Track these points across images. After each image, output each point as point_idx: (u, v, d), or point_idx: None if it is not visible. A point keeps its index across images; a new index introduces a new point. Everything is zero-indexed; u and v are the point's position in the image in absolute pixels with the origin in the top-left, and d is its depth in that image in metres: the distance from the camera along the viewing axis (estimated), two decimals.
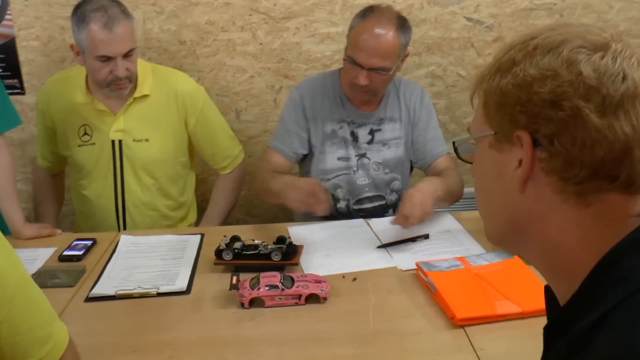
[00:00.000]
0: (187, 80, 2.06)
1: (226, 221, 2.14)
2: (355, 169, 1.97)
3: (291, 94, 2.00)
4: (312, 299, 1.39)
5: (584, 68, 0.63)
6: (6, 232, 1.48)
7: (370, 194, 2.00)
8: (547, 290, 0.80)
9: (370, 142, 1.96)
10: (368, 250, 1.65)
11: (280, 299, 1.37)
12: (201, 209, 2.27)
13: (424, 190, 1.68)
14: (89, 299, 1.43)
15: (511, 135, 0.67)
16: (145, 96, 1.95)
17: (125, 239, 1.73)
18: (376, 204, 2.01)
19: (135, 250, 1.67)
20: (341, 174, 1.97)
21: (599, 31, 0.67)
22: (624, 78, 0.63)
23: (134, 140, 1.96)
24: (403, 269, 1.54)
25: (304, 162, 2.04)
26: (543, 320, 1.29)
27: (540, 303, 1.32)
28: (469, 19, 2.38)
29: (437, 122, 2.03)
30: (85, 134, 1.96)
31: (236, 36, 2.31)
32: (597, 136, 0.63)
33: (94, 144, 1.96)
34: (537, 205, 0.68)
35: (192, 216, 2.21)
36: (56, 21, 2.23)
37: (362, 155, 1.97)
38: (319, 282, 1.41)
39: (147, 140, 1.97)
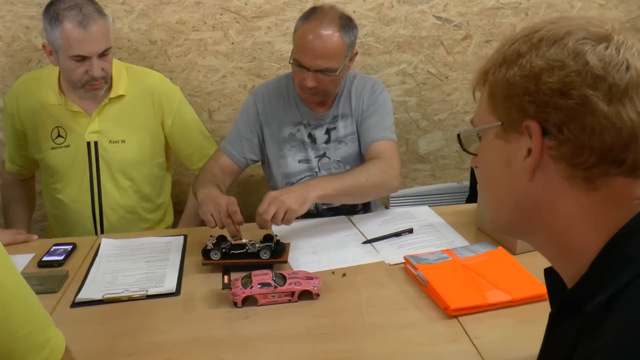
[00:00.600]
0: (163, 80, 2.04)
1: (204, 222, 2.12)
2: (317, 170, 1.96)
3: (246, 99, 1.99)
4: (305, 295, 1.38)
5: (590, 58, 0.66)
6: None
7: None
8: (549, 273, 0.82)
9: (327, 141, 1.95)
10: (354, 246, 1.66)
11: (274, 296, 1.37)
12: (176, 211, 2.25)
13: (288, 189, 1.62)
14: (75, 304, 1.39)
15: (519, 125, 0.70)
16: (120, 96, 1.92)
17: (106, 243, 1.69)
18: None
19: (118, 254, 1.63)
20: (304, 176, 1.97)
21: (600, 23, 0.70)
22: (628, 67, 0.66)
23: (110, 142, 1.92)
24: (391, 263, 1.55)
25: (266, 167, 2.04)
26: (532, 307, 1.33)
27: (528, 291, 1.38)
28: (437, 18, 2.42)
29: (387, 112, 1.94)
30: (59, 136, 1.91)
31: (208, 35, 2.29)
32: (606, 123, 0.65)
33: (68, 146, 1.91)
34: (545, 191, 0.71)
35: (169, 218, 2.18)
36: (20, 20, 2.17)
37: (321, 156, 1.96)
38: (310, 278, 1.41)
39: (123, 141, 1.93)
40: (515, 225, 0.78)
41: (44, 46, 1.81)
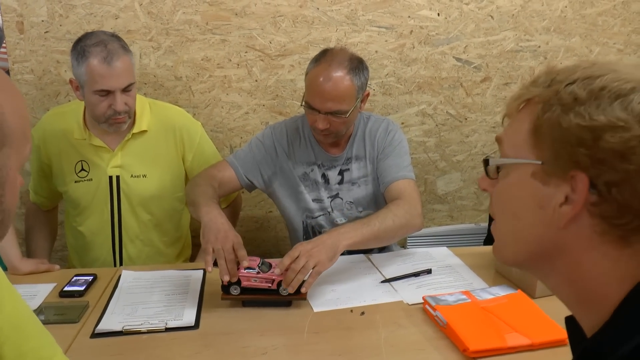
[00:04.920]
0: (184, 116, 2.07)
1: None
2: (329, 209, 1.96)
3: (265, 130, 1.99)
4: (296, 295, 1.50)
5: None
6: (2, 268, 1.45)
7: None
8: (570, 321, 0.80)
9: (340, 182, 1.95)
10: (372, 285, 1.66)
11: (255, 280, 1.49)
12: (193, 244, 2.26)
13: (318, 240, 1.56)
14: (95, 335, 1.40)
15: (564, 172, 0.67)
16: (143, 132, 1.95)
17: (126, 275, 1.70)
18: None
19: (137, 286, 1.64)
20: (320, 215, 1.97)
21: None
22: None
23: (131, 176, 1.95)
24: (409, 303, 1.55)
25: (282, 205, 2.01)
26: (552, 352, 1.32)
27: (548, 335, 1.37)
28: (458, 59, 2.45)
29: (404, 152, 1.94)
30: (82, 169, 1.94)
31: (232, 73, 2.34)
32: None
33: (90, 179, 1.94)
34: (574, 241, 0.68)
35: (187, 251, 2.19)
36: (51, 55, 2.23)
37: (334, 196, 1.96)
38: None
39: (144, 176, 1.96)
40: (531, 264, 0.75)
41: (70, 81, 1.85)
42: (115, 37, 1.84)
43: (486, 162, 0.78)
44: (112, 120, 1.83)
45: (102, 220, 1.97)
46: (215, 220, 1.60)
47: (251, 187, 1.97)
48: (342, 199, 1.96)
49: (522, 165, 0.72)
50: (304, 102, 1.81)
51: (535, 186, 0.70)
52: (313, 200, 1.96)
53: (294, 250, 1.52)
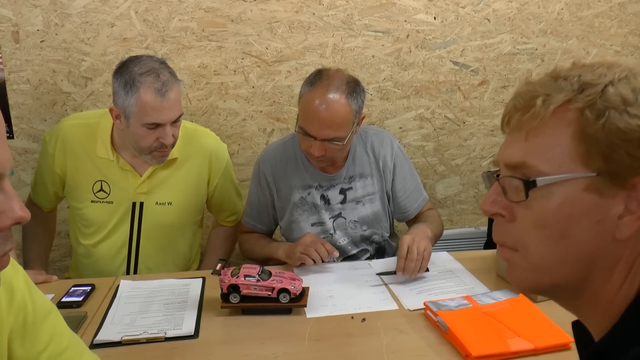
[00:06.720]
0: (214, 139, 2.01)
1: None
2: (332, 231, 1.92)
3: (254, 168, 1.98)
4: (296, 301, 1.50)
5: None
6: None
7: (354, 251, 1.95)
8: (576, 326, 0.79)
9: (343, 201, 1.90)
10: (373, 291, 1.64)
11: (256, 288, 1.48)
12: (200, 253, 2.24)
13: (412, 233, 1.74)
14: (94, 346, 1.39)
15: (624, 180, 0.63)
16: (173, 159, 1.88)
17: (125, 284, 1.69)
18: (363, 258, 1.96)
19: (136, 295, 1.63)
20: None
21: None
22: None
23: (156, 203, 1.89)
24: (410, 309, 1.54)
25: (282, 232, 2.02)
26: (556, 357, 1.31)
27: (551, 339, 1.36)
28: (455, 63, 2.45)
29: (412, 168, 1.99)
30: (101, 190, 1.86)
31: (229, 79, 2.33)
32: None
33: (111, 202, 1.86)
34: (630, 249, 0.66)
35: (195, 265, 2.14)
36: (47, 64, 2.22)
37: (336, 216, 1.92)
38: (293, 279, 1.51)
39: (170, 203, 1.90)
40: (565, 285, 0.70)
41: (111, 110, 1.74)
42: (164, 63, 1.75)
43: (531, 184, 0.67)
44: (156, 152, 1.76)
45: (118, 244, 1.91)
46: (285, 246, 1.84)
47: (276, 223, 2.03)
48: (345, 218, 1.92)
49: (570, 181, 0.65)
50: (297, 127, 1.75)
51: (592, 200, 0.65)
52: (312, 224, 1.92)
53: (402, 245, 1.67)
